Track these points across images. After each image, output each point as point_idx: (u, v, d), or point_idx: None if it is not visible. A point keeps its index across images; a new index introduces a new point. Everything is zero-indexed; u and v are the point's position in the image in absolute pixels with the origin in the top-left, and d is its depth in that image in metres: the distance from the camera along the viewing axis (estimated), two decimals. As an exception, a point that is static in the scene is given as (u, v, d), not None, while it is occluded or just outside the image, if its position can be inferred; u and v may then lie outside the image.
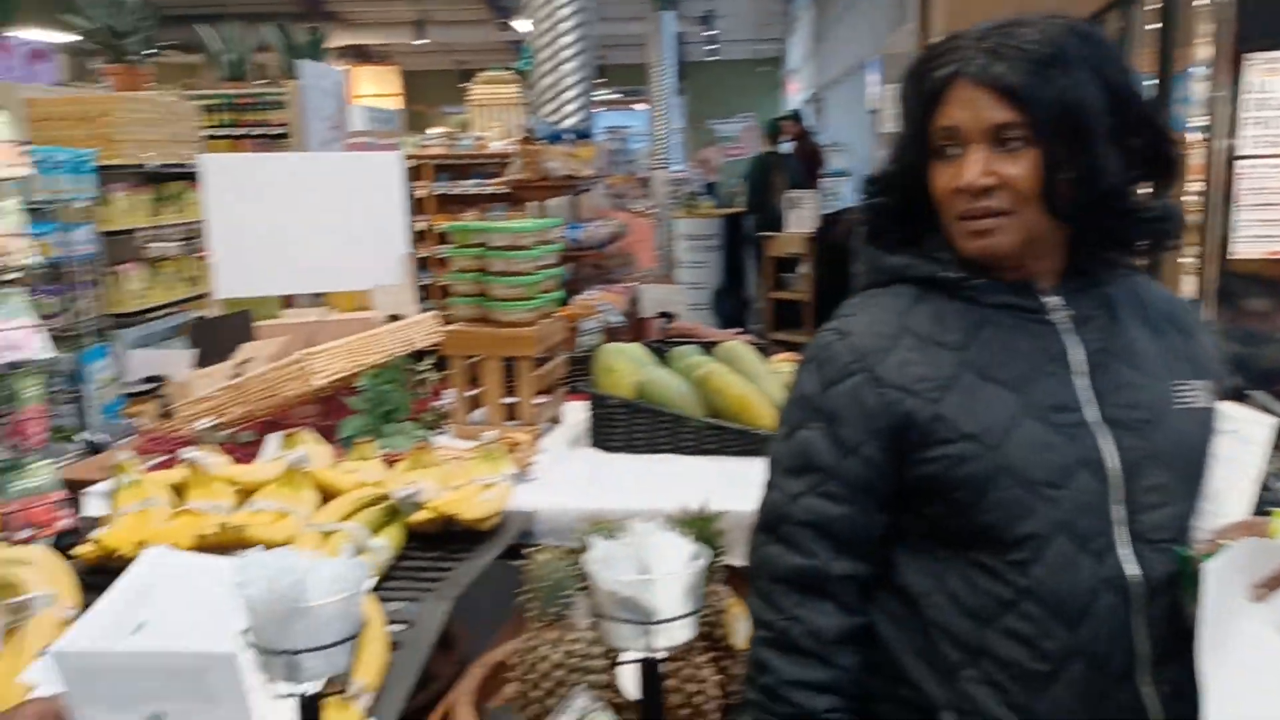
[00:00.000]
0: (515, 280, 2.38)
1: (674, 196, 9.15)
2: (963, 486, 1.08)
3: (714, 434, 2.19)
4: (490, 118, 9.73)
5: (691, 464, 2.18)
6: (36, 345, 1.86)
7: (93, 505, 2.05)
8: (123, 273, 4.96)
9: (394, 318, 2.96)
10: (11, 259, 1.82)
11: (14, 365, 1.81)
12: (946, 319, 1.15)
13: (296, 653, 1.01)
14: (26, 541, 1.84)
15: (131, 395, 3.88)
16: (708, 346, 2.49)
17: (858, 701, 1.16)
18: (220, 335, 2.81)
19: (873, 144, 7.95)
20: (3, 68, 4.90)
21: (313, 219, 3.21)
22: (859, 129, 9.13)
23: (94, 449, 2.28)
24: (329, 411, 2.53)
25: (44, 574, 1.49)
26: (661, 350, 2.48)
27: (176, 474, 1.88)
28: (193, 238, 6.20)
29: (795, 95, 15.03)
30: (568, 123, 6.45)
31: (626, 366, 2.34)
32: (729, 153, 11.18)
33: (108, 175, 4.65)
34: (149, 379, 2.27)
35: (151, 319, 5.18)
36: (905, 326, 1.15)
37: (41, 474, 1.93)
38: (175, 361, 2.29)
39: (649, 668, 1.12)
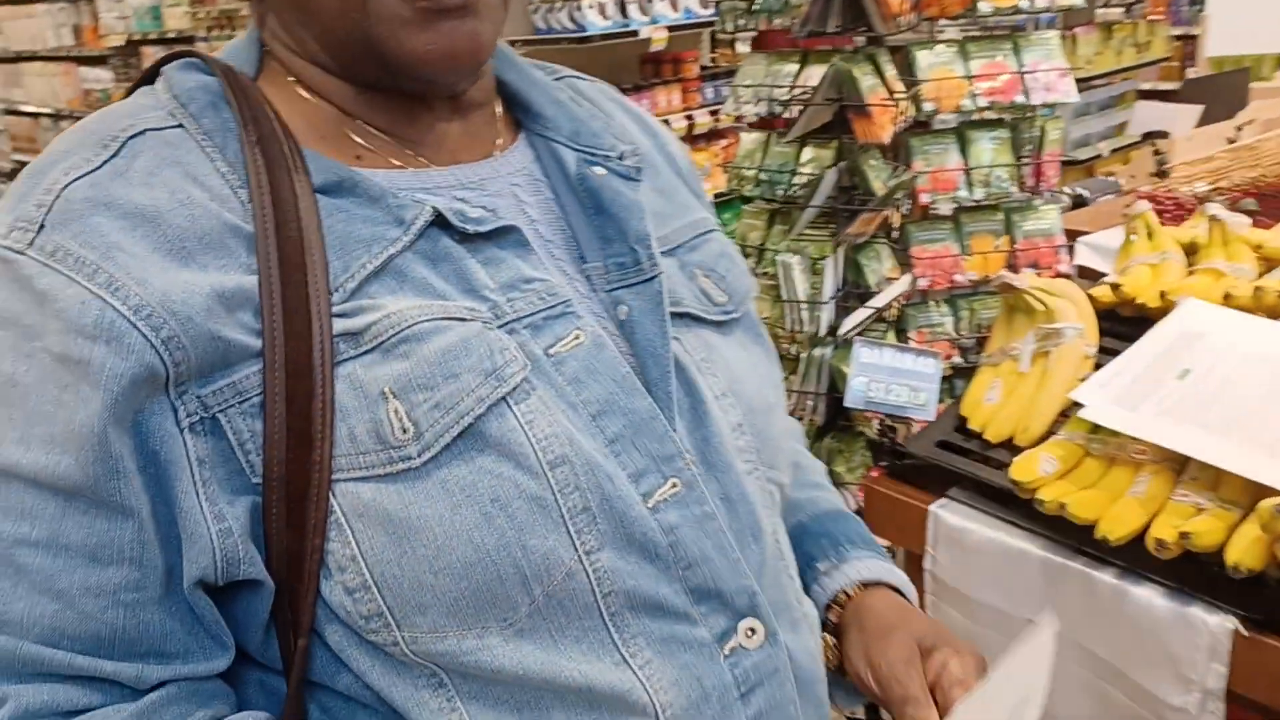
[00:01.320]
0: None
1: None
2: None
3: None
4: None
5: None
6: (1065, 88, 1.88)
7: (1084, 254, 2.08)
8: (1079, 35, 4.88)
9: None
10: (1057, 1, 1.84)
11: (1047, 106, 1.87)
12: None
13: None
14: (1030, 279, 1.95)
15: (1066, 164, 3.86)
16: None
17: None
18: (1212, 96, 2.57)
19: None
20: None
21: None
22: None
23: (1078, 202, 2.31)
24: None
25: (1074, 307, 1.55)
26: None
27: (1188, 231, 1.79)
28: (1135, 3, 5.81)
29: None
30: None
31: None
32: None
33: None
34: (1150, 134, 2.17)
35: (1096, 86, 5.07)
36: None
37: (1049, 217, 2.00)
38: (1182, 117, 2.16)
39: None
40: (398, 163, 0.74)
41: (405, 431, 0.64)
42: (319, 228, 0.66)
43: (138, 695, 0.65)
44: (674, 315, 0.76)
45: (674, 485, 0.70)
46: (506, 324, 0.68)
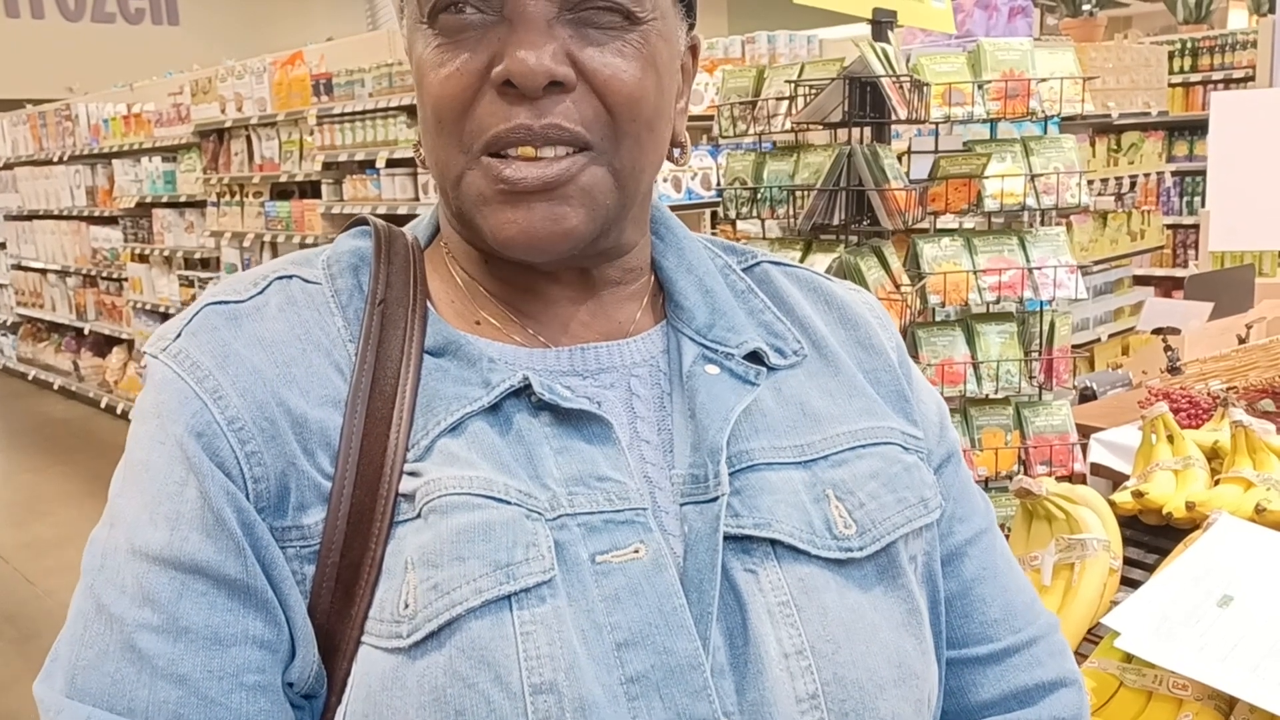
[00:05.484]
0: None
1: None
2: None
3: None
4: None
5: None
6: (1072, 286, 1.85)
7: (1098, 452, 2.00)
8: (1075, 223, 4.96)
9: None
10: (1063, 198, 1.83)
11: (1053, 302, 1.82)
12: None
13: None
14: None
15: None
16: None
17: None
18: (1218, 292, 2.55)
19: None
20: (989, 24, 5.22)
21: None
22: None
23: (1085, 395, 2.24)
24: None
25: (1097, 517, 1.46)
26: None
27: (1210, 435, 1.72)
28: (1126, 193, 5.97)
29: None
30: None
31: None
32: None
33: (1068, 125, 4.66)
34: (1158, 330, 2.13)
35: (1093, 272, 5.12)
36: None
37: (1060, 413, 1.93)
38: (1192, 314, 2.12)
39: None
40: (518, 339, 0.72)
41: (406, 607, 0.59)
42: (415, 386, 0.66)
43: None
44: (765, 543, 0.64)
45: None
46: (559, 518, 0.62)
